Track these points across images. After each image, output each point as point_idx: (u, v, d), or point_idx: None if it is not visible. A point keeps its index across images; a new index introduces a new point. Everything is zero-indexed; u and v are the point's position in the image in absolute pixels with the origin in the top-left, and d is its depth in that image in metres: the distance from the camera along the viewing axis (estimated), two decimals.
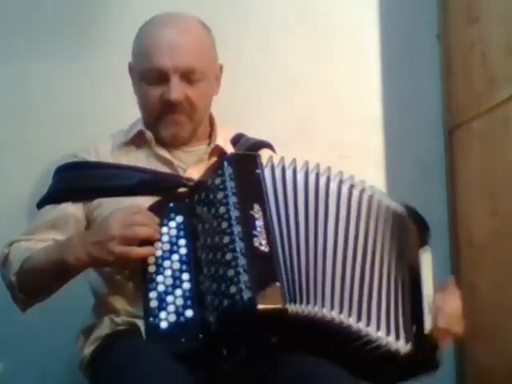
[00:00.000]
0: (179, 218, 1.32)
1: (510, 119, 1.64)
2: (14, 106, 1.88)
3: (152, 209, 1.33)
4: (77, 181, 1.47)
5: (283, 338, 1.18)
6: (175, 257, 1.28)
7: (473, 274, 1.82)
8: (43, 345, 1.80)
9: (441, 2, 1.98)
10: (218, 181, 1.28)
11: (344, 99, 1.96)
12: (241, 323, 1.16)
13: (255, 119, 1.87)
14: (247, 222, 1.20)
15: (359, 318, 1.22)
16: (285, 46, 1.95)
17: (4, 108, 1.87)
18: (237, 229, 1.20)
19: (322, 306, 1.19)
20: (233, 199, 1.24)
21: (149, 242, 1.28)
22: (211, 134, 1.54)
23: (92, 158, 1.49)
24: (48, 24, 1.89)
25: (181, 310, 1.23)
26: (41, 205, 1.48)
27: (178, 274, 1.27)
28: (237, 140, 1.57)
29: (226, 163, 1.29)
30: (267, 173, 1.30)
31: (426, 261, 1.35)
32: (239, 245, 1.18)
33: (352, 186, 1.33)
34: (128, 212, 1.30)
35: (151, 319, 1.23)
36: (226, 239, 1.20)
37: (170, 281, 1.26)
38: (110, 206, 1.39)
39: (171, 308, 1.24)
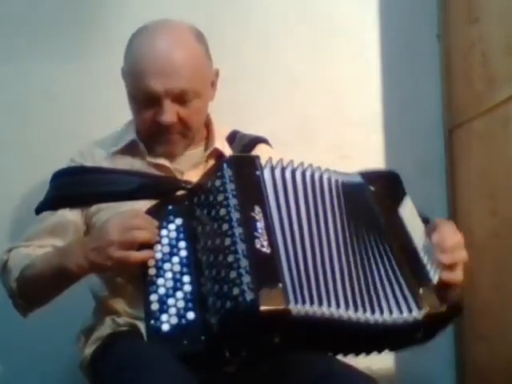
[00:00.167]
0: (179, 221, 1.32)
1: (510, 119, 1.64)
2: (13, 106, 1.88)
3: (150, 212, 1.32)
4: (75, 186, 1.46)
5: (286, 338, 1.18)
6: (175, 259, 1.28)
7: (473, 274, 1.81)
8: (43, 347, 1.80)
9: (441, 2, 1.98)
10: (217, 183, 1.27)
11: (344, 99, 1.96)
12: (243, 324, 1.15)
13: (255, 119, 1.87)
14: (248, 224, 1.20)
15: (364, 310, 1.20)
16: (285, 46, 1.95)
17: (4, 108, 1.87)
18: (238, 230, 1.19)
19: (328, 305, 1.18)
20: (233, 201, 1.23)
21: (148, 245, 1.28)
22: (208, 136, 1.53)
23: (88, 163, 1.49)
24: (48, 24, 1.89)
25: (182, 312, 1.23)
26: (39, 210, 1.47)
27: (178, 276, 1.26)
28: (232, 137, 1.57)
29: (225, 165, 1.29)
30: (267, 174, 1.29)
31: (408, 211, 1.34)
32: (241, 246, 1.17)
33: (321, 174, 1.32)
34: (126, 216, 1.30)
35: (152, 322, 1.23)
36: (228, 241, 1.19)
37: (170, 283, 1.26)
38: (108, 211, 1.39)
39: (172, 310, 1.23)
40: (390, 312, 1.22)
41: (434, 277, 1.26)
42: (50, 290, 1.40)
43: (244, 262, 1.15)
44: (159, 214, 1.32)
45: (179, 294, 1.25)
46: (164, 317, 1.23)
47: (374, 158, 1.95)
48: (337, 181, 1.34)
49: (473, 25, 1.81)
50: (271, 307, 1.12)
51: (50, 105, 1.88)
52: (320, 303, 1.17)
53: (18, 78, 1.88)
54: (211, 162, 1.47)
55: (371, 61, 1.98)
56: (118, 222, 1.28)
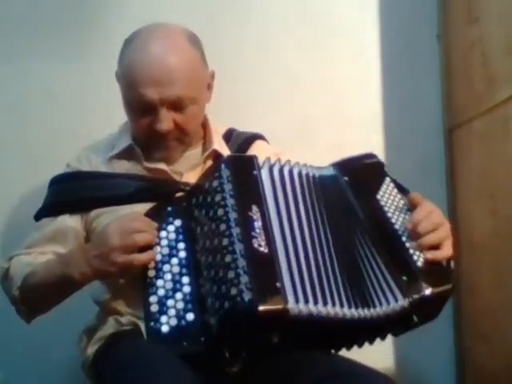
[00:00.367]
0: (177, 222, 1.32)
1: (510, 119, 1.64)
2: (13, 106, 1.88)
3: (149, 214, 1.32)
4: (73, 192, 1.45)
5: (285, 337, 1.18)
6: (174, 260, 1.28)
7: (473, 274, 1.82)
8: (43, 347, 1.80)
9: (441, 2, 1.97)
10: (215, 183, 1.28)
11: (344, 99, 1.96)
12: (242, 325, 1.15)
13: (255, 119, 1.87)
14: (246, 224, 1.20)
15: (357, 306, 1.21)
16: (285, 46, 1.95)
17: (4, 108, 1.88)
18: (235, 231, 1.19)
19: (333, 304, 1.19)
20: (231, 201, 1.23)
21: (149, 247, 1.28)
22: (205, 136, 1.53)
23: (85, 167, 1.48)
24: (48, 24, 1.89)
25: (182, 313, 1.23)
26: (38, 217, 1.46)
27: (177, 277, 1.27)
28: (229, 135, 1.57)
29: (223, 166, 1.29)
30: (264, 174, 1.30)
31: (387, 195, 1.34)
32: (238, 246, 1.18)
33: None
34: (125, 220, 1.30)
35: (152, 323, 1.23)
36: (225, 241, 1.19)
37: (170, 285, 1.26)
38: (108, 216, 1.39)
39: (172, 312, 1.23)
40: (380, 304, 1.22)
41: (419, 259, 1.25)
42: (53, 298, 1.39)
43: (242, 262, 1.15)
44: (158, 216, 1.33)
45: (178, 296, 1.25)
46: (163, 318, 1.23)
47: None
48: (314, 175, 1.35)
49: (473, 25, 1.80)
50: (269, 307, 1.12)
51: (49, 105, 1.88)
52: (317, 302, 1.17)
53: (18, 78, 1.88)
54: (209, 163, 1.47)
55: (371, 61, 1.98)
56: (118, 226, 1.28)
